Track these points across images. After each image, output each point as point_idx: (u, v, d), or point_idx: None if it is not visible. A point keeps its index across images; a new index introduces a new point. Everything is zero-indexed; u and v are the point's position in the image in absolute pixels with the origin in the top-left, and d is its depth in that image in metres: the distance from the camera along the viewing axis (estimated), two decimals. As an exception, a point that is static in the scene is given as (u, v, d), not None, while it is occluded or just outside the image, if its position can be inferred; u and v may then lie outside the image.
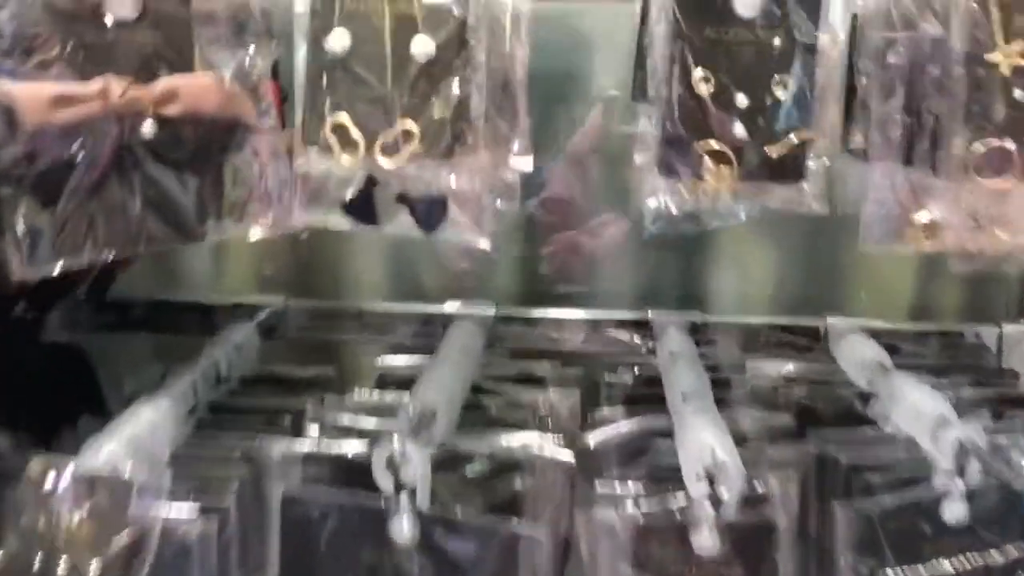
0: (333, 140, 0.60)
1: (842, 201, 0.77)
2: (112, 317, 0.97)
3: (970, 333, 0.91)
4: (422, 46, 0.59)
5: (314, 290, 0.98)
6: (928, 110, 0.60)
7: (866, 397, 0.81)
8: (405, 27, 0.59)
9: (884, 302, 0.96)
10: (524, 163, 0.72)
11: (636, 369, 0.89)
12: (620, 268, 0.99)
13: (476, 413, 0.79)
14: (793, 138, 0.61)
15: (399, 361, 0.90)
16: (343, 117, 0.60)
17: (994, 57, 0.57)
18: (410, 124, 0.59)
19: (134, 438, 0.64)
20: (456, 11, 0.59)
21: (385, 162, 0.59)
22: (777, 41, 0.61)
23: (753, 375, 0.89)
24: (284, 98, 0.72)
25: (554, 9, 0.81)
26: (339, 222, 0.64)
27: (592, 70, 0.93)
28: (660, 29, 0.60)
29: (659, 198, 0.61)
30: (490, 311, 0.94)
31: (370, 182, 0.63)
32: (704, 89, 0.59)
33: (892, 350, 0.90)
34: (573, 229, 0.99)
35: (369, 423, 0.74)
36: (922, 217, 0.63)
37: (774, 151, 0.61)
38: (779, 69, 0.61)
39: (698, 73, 0.59)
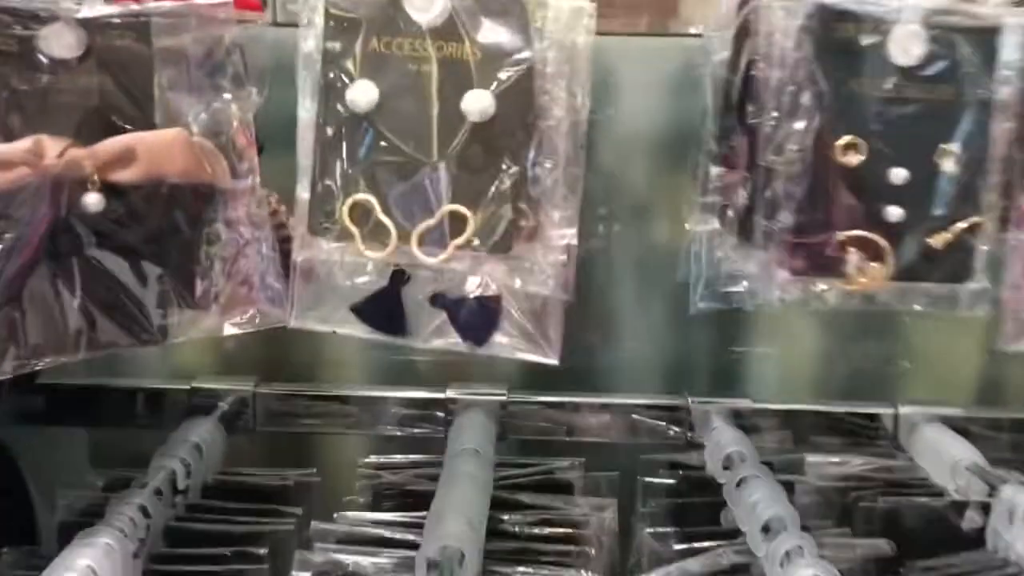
0: (350, 224, 0.44)
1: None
2: (40, 405, 0.79)
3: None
4: (477, 102, 0.44)
5: (289, 371, 0.82)
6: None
7: (959, 506, 0.69)
8: (455, 77, 0.44)
9: (946, 384, 0.84)
10: (572, 235, 0.59)
11: (680, 471, 0.75)
12: (647, 341, 0.85)
13: (500, 540, 0.64)
14: (962, 224, 0.48)
15: (393, 460, 0.75)
16: (367, 196, 0.44)
17: None
18: (461, 208, 0.44)
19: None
20: (522, 53, 0.44)
21: (425, 256, 0.44)
22: (945, 96, 0.47)
23: (816, 475, 0.76)
24: (260, 148, 0.57)
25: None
26: (353, 328, 0.49)
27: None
28: (775, 77, 0.47)
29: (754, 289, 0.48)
30: (500, 395, 0.79)
31: (397, 278, 0.47)
32: (851, 160, 0.46)
33: (964, 435, 0.78)
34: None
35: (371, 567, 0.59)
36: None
37: (938, 241, 0.47)
38: (946, 134, 0.47)
39: (844, 139, 0.46)
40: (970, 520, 0.68)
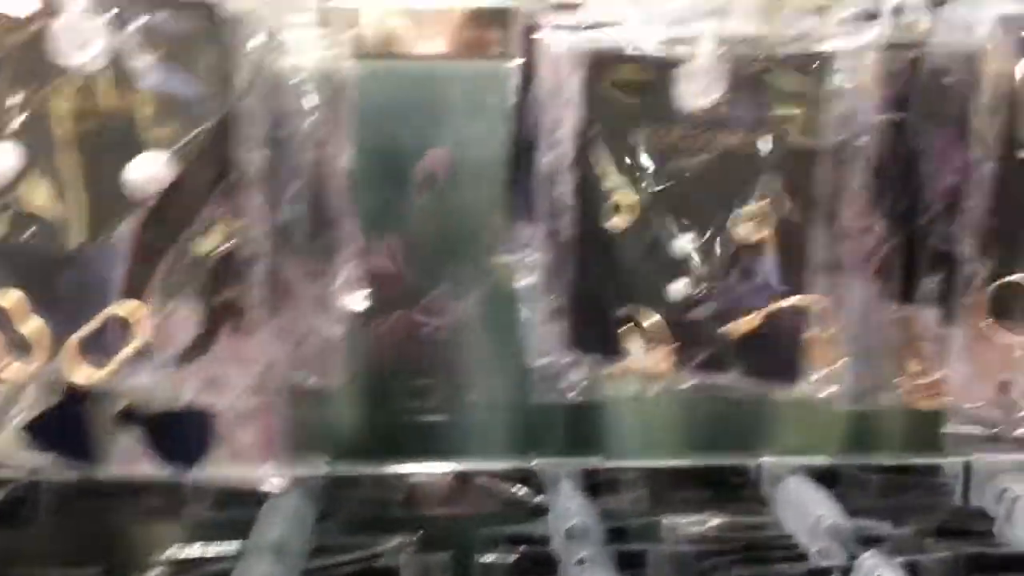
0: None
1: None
2: None
3: (929, 463, 0.74)
4: (144, 169, 0.34)
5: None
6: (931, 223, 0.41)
7: (822, 573, 0.62)
8: (117, 135, 0.34)
9: (813, 432, 0.78)
10: (356, 300, 0.51)
11: (522, 545, 0.67)
12: (492, 399, 0.77)
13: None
14: (773, 307, 0.39)
15: (194, 552, 0.65)
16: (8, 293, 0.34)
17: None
18: (131, 304, 0.34)
19: None
20: (210, 102, 0.34)
21: (83, 373, 0.34)
22: (760, 146, 0.38)
23: (672, 538, 0.69)
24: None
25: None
26: (18, 456, 0.39)
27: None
28: (547, 121, 0.38)
29: (558, 371, 0.39)
30: (319, 469, 0.70)
31: (72, 395, 0.38)
32: (618, 223, 0.37)
33: (835, 483, 0.72)
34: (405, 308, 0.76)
35: None
36: (917, 372, 0.44)
37: (740, 328, 0.39)
38: (749, 192, 0.37)
39: (612, 200, 0.37)
40: (833, 587, 0.61)
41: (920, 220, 0.40)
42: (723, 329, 0.37)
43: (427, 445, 0.75)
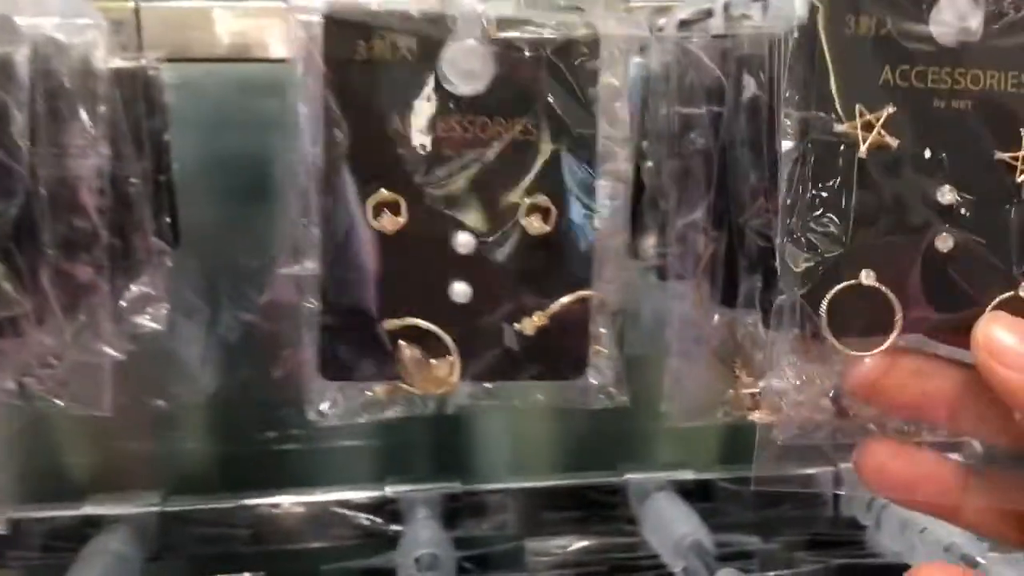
0: None
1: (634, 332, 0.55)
2: None
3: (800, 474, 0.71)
4: None
5: None
6: (751, 220, 0.38)
7: (686, 593, 0.59)
8: None
9: (689, 440, 0.75)
10: (157, 318, 0.46)
11: (369, 581, 0.62)
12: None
13: None
14: (560, 301, 0.35)
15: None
16: None
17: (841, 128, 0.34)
18: None
19: None
20: None
21: None
22: (524, 134, 0.33)
23: (536, 563, 0.65)
24: None
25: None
26: None
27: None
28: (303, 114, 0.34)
29: (326, 405, 0.35)
30: (152, 507, 0.64)
31: None
32: (388, 224, 0.33)
33: (705, 498, 0.69)
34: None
35: None
36: (747, 383, 0.41)
37: (528, 327, 0.35)
38: (527, 183, 0.33)
39: (376, 197, 0.32)
40: (695, 609, 0.58)
41: (742, 216, 0.37)
42: (509, 330, 0.34)
43: (278, 475, 0.70)
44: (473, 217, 0.33)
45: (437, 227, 0.33)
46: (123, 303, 0.44)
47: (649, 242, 0.49)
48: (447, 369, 0.33)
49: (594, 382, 0.35)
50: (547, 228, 0.34)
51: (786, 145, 0.33)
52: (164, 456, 0.68)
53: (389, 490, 0.67)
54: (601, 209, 0.35)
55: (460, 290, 0.33)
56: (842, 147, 0.31)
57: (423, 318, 0.33)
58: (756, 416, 0.39)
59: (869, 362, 0.32)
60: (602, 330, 0.35)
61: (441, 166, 0.33)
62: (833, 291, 0.31)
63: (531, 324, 0.34)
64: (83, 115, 0.36)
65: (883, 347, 0.32)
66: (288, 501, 0.67)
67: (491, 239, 0.33)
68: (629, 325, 0.56)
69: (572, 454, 0.74)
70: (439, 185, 0.33)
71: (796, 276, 0.33)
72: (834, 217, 0.31)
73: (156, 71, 0.51)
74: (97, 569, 0.57)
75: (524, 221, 0.34)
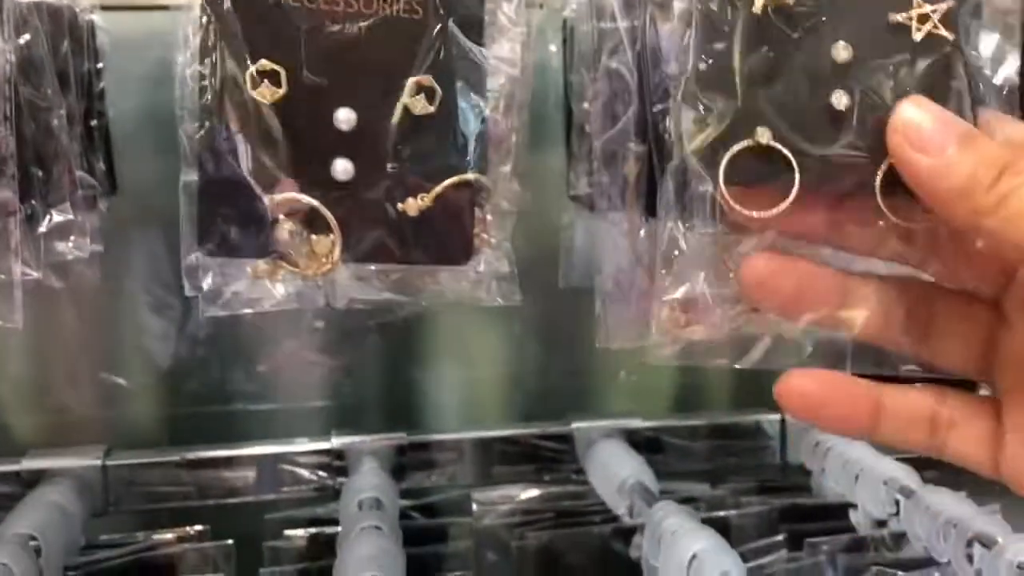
0: None
1: (569, 268, 0.55)
2: None
3: (747, 423, 0.72)
4: None
5: None
6: (668, 132, 0.38)
7: (628, 533, 0.59)
8: None
9: (641, 391, 0.75)
10: (81, 247, 0.46)
11: (311, 529, 0.62)
12: (292, 374, 0.72)
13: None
14: (444, 184, 0.35)
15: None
16: None
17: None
18: None
19: None
20: None
21: None
22: (414, 13, 0.35)
23: (482, 512, 0.65)
24: None
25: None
26: None
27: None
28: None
29: (208, 280, 0.35)
30: (95, 460, 0.63)
31: None
32: (267, 94, 0.33)
33: (656, 449, 0.69)
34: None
35: None
36: (674, 291, 0.41)
37: (411, 208, 0.36)
38: (416, 63, 0.34)
39: (252, 68, 0.32)
40: (637, 547, 0.58)
41: (654, 113, 0.37)
42: (392, 210, 0.34)
43: (227, 437, 0.69)
44: (355, 93, 0.33)
45: (318, 101, 0.33)
46: (42, 228, 0.44)
47: (581, 169, 0.49)
48: (327, 246, 0.33)
49: (482, 270, 0.35)
50: (431, 109, 0.34)
51: (678, 6, 0.33)
52: (109, 416, 0.68)
53: (336, 441, 0.66)
54: (489, 95, 0.34)
55: (342, 167, 0.33)
56: (736, 3, 0.31)
57: (305, 194, 0.33)
58: (687, 332, 0.39)
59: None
60: (489, 217, 0.35)
61: (322, 38, 0.33)
62: (732, 150, 0.31)
63: (414, 205, 0.34)
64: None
65: (784, 205, 0.31)
66: (234, 454, 0.67)
67: (374, 117, 0.33)
68: (564, 260, 0.56)
69: (523, 407, 0.74)
70: (320, 58, 0.33)
71: (688, 135, 0.32)
72: (727, 75, 0.31)
73: (89, 14, 0.51)
74: (39, 515, 0.57)
75: (408, 101, 0.33)
